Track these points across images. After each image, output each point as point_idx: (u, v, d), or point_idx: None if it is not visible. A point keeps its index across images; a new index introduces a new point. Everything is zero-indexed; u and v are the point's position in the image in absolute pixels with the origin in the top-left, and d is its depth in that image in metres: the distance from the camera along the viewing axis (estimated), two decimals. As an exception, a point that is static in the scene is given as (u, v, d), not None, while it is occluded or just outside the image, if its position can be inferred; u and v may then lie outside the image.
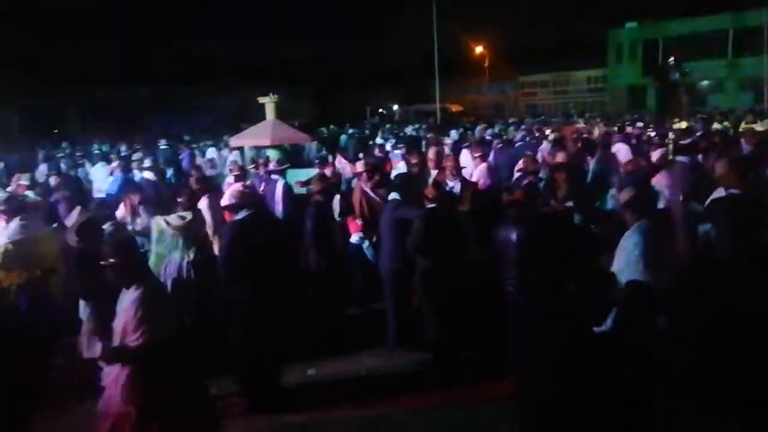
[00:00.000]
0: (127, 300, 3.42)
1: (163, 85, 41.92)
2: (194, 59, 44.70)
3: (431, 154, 8.85)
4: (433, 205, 5.38)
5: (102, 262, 3.48)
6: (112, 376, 3.44)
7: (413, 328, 5.75)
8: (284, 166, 8.66)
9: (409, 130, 19.42)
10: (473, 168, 8.63)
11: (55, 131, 25.73)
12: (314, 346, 5.76)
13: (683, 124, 16.10)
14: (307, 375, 5.30)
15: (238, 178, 8.28)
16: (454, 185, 6.97)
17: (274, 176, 8.40)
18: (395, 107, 43.42)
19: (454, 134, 17.50)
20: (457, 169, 7.50)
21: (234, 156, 12.57)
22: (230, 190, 4.99)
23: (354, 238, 6.64)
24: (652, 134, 13.82)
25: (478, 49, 45.78)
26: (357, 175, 7.84)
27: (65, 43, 37.84)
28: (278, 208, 7.70)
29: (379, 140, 16.59)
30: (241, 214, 4.77)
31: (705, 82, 37.02)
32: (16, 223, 5.44)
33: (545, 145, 11.49)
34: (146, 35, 44.28)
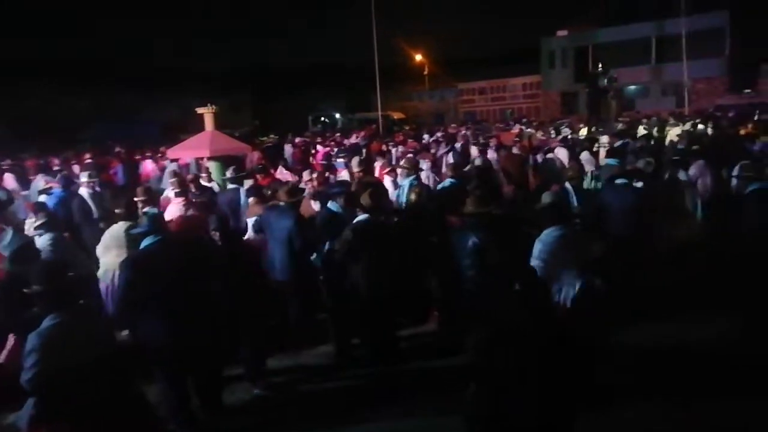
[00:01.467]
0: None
1: (101, 95, 40.33)
2: (134, 68, 43.37)
3: (354, 163, 8.96)
4: (366, 215, 5.41)
5: (25, 290, 3.36)
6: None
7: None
8: (241, 174, 8.56)
9: (353, 138, 19.48)
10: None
11: None
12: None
13: (584, 131, 16.84)
14: (254, 393, 5.19)
15: (179, 194, 7.96)
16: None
17: (231, 185, 8.29)
18: (337, 115, 43.45)
19: (427, 136, 17.55)
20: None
21: (173, 167, 12.27)
22: (143, 214, 4.76)
23: None
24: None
25: (418, 57, 46.51)
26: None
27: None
28: (243, 218, 7.49)
29: (320, 148, 16.58)
30: (146, 242, 4.40)
31: (632, 87, 38.92)
32: None
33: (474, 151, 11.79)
34: (83, 41, 42.72)
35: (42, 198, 9.19)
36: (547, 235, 4.48)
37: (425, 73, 47.70)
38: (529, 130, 18.83)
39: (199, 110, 11.84)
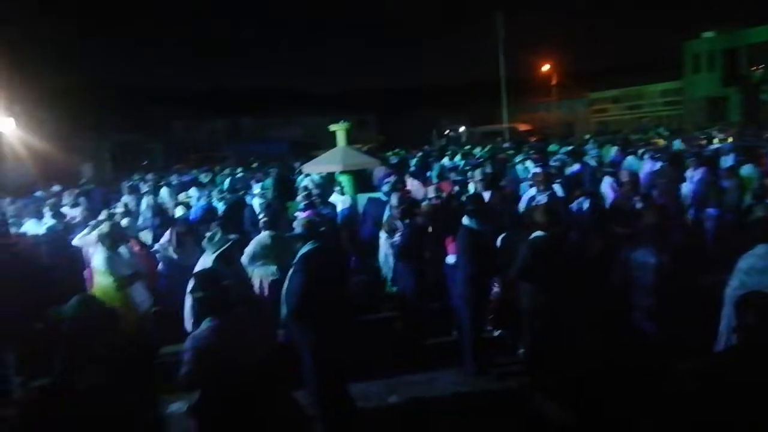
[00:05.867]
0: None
1: (236, 117, 44.00)
2: (263, 92, 46.73)
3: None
4: (541, 233, 5.08)
5: (190, 294, 3.59)
6: None
7: (490, 354, 5.67)
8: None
9: (477, 151, 19.12)
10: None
11: (145, 163, 27.56)
12: (396, 371, 5.66)
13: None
14: (389, 402, 5.19)
15: (308, 206, 8.30)
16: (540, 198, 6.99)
17: (383, 197, 8.49)
18: (461, 129, 43.24)
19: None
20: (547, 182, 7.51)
21: (307, 182, 12.81)
22: (298, 220, 4.99)
23: (450, 259, 6.38)
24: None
25: (546, 67, 45.07)
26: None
27: (148, 81, 40.51)
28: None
29: (447, 162, 16.43)
30: (307, 247, 4.67)
31: (795, 90, 34.67)
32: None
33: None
34: (219, 71, 46.95)
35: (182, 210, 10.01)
36: (753, 254, 3.94)
37: (553, 83, 46.08)
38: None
39: (332, 127, 12.26)
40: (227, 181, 13.93)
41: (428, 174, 13.59)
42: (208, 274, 3.90)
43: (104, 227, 6.09)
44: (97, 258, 5.77)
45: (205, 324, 3.51)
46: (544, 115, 52.07)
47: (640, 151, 12.90)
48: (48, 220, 8.86)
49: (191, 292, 3.69)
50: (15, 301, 5.49)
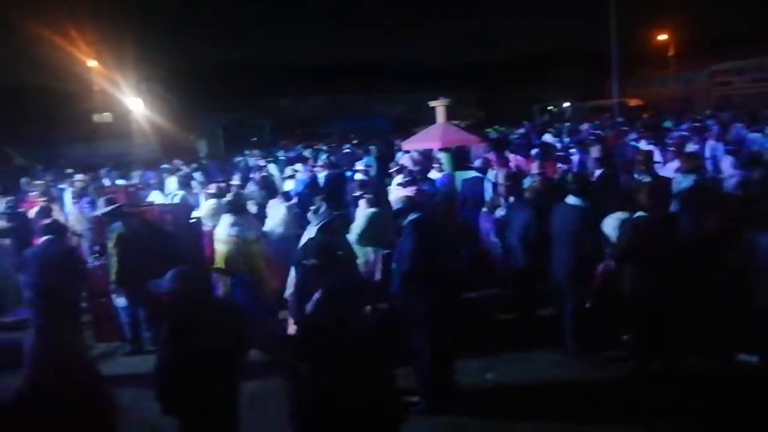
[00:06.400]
0: None
1: (340, 94, 45.11)
2: (367, 67, 47.43)
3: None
4: (644, 213, 4.87)
5: (304, 262, 3.82)
6: None
7: (592, 336, 5.52)
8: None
9: (584, 128, 18.28)
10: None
11: (254, 139, 29.09)
12: (496, 349, 5.71)
13: None
14: (486, 379, 5.24)
15: (409, 183, 8.40)
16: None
17: (478, 174, 8.59)
18: (566, 104, 41.36)
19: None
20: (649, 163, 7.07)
21: (406, 159, 12.93)
22: (397, 196, 5.14)
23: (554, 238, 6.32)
24: None
25: (662, 37, 41.87)
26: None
27: (256, 58, 42.52)
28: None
29: (549, 138, 15.90)
30: (413, 215, 4.83)
31: None
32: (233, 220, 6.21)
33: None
34: (322, 49, 48.26)
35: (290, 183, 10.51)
36: None
37: (670, 54, 42.71)
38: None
39: (432, 103, 12.21)
40: (323, 157, 14.38)
41: (530, 151, 13.23)
42: (320, 244, 4.11)
43: (228, 196, 6.58)
44: (222, 226, 6.22)
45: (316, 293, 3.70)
46: (659, 90, 48.43)
47: None
48: (176, 192, 9.64)
49: (303, 259, 3.91)
50: (144, 263, 6.09)
